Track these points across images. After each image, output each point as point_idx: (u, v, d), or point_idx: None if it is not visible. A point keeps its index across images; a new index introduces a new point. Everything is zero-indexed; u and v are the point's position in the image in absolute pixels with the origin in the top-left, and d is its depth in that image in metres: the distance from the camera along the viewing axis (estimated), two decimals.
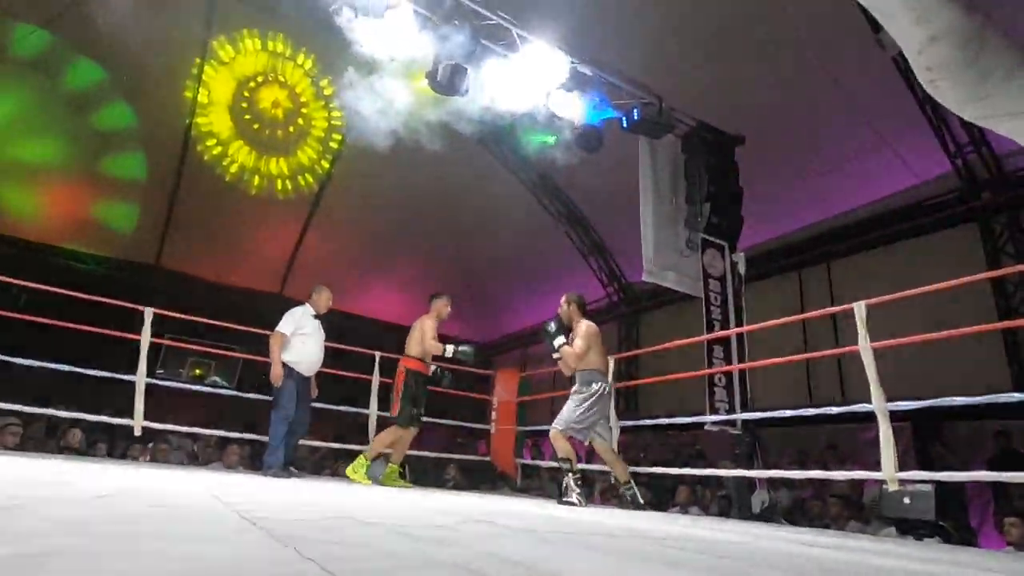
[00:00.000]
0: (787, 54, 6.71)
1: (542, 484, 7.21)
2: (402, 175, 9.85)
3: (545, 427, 6.99)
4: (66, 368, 4.37)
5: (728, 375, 5.52)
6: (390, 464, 4.75)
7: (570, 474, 4.05)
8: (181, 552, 0.89)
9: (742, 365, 5.46)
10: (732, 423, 5.34)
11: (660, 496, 6.15)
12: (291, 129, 10.71)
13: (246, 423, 6.37)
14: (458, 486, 6.01)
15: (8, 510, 1.01)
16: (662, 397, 9.11)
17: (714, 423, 5.27)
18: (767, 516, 5.00)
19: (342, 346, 5.50)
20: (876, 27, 4.53)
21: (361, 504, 2.22)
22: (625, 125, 6.09)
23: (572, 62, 5.76)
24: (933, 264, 6.56)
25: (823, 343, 6.83)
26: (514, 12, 5.61)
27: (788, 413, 4.23)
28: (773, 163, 7.32)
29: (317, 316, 4.67)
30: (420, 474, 6.28)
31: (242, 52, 9.81)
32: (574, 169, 7.56)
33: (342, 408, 5.51)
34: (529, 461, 6.99)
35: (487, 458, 6.67)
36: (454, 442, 9.45)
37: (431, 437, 9.94)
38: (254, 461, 6.45)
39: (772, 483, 5.73)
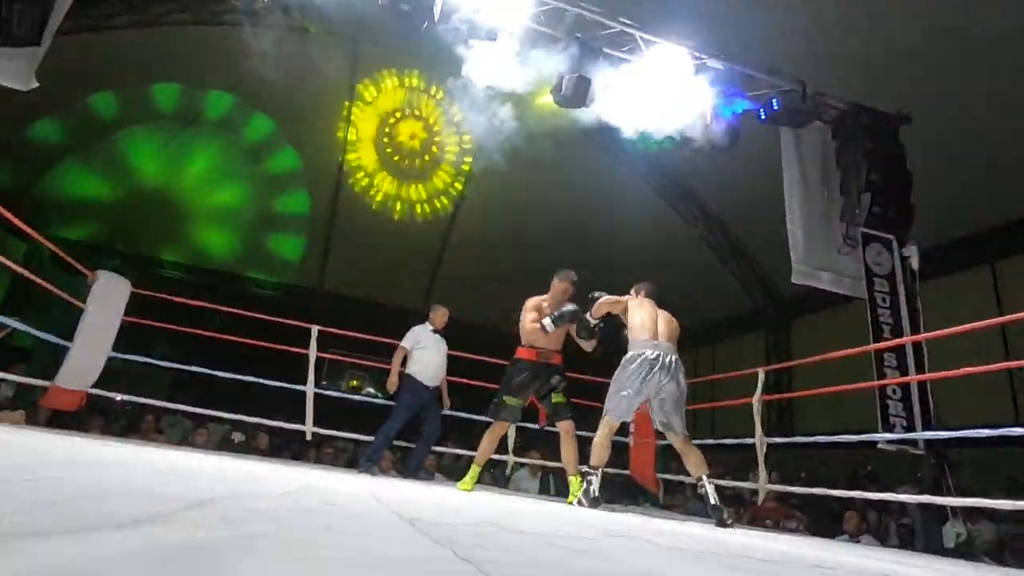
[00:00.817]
0: (958, 17, 5.83)
1: (687, 501, 6.85)
2: (530, 190, 10.10)
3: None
4: (251, 379, 5.05)
5: (904, 387, 4.83)
6: (473, 464, 4.04)
7: (589, 475, 3.43)
8: (354, 544, 0.98)
9: (922, 376, 4.74)
10: (913, 442, 4.66)
11: (821, 522, 5.54)
12: (427, 157, 11.52)
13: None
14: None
15: (217, 501, 1.18)
16: (822, 412, 8.25)
17: (889, 442, 4.63)
18: (964, 552, 4.27)
19: (473, 355, 5.68)
20: None
21: (504, 512, 2.27)
22: (763, 116, 5.68)
23: (698, 57, 5.51)
24: None
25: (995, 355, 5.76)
26: (635, 15, 5.51)
27: (986, 432, 3.59)
28: (952, 145, 6.36)
29: (436, 331, 5.10)
30: (561, 487, 6.29)
31: (382, 91, 10.78)
32: (708, 170, 7.21)
33: (482, 418, 5.70)
34: (673, 477, 6.69)
35: (626, 472, 6.49)
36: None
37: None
38: (404, 467, 6.92)
39: (971, 514, 4.89)
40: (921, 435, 4.49)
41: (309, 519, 1.13)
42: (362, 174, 11.49)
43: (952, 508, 4.51)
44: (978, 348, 5.75)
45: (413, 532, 1.19)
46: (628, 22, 5.43)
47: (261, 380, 5.07)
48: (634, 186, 10.19)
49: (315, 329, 5.14)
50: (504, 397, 3.89)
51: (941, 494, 4.49)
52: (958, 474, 5.11)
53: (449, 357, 5.26)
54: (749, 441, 4.65)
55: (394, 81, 10.72)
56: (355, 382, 11.52)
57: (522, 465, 5.83)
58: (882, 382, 4.78)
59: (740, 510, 6.24)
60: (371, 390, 11.22)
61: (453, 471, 7.12)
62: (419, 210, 11.82)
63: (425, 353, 4.97)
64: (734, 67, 5.64)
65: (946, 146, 6.37)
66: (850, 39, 6.48)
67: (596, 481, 3.37)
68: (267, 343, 5.25)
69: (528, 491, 5.76)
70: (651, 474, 6.19)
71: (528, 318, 4.02)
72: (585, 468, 3.57)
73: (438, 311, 5.21)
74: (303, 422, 5.07)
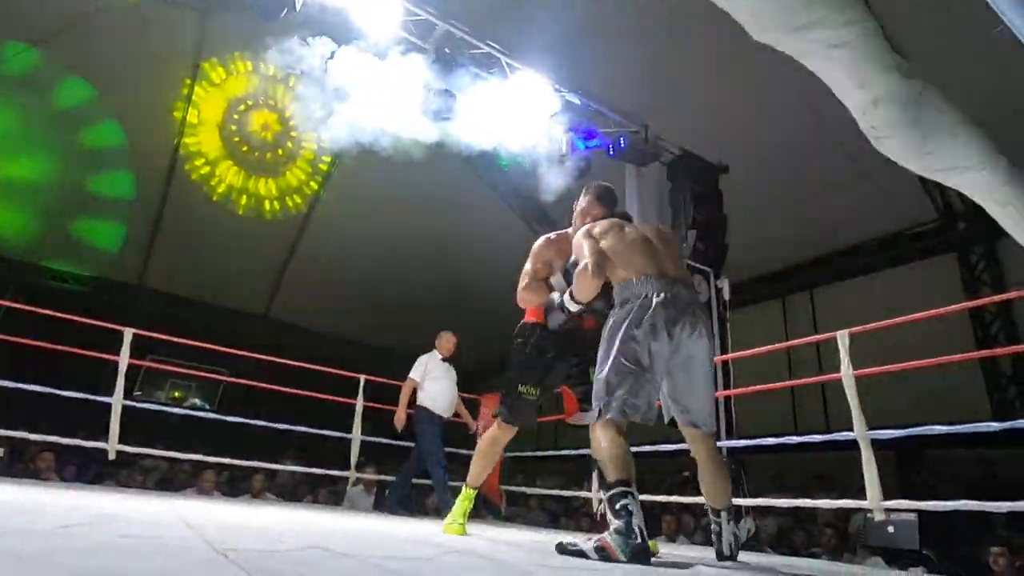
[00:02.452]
0: (771, 85, 6.90)
1: (530, 512, 7.10)
2: (391, 198, 9.91)
3: (532, 453, 6.94)
4: (37, 389, 4.26)
5: (714, 401, 5.51)
6: (465, 486, 2.77)
7: (619, 499, 1.83)
8: None
9: (727, 391, 5.47)
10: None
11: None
12: (280, 151, 10.76)
13: (223, 447, 6.23)
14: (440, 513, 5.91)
15: None
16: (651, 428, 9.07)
17: None
18: (753, 545, 4.95)
19: (322, 368, 5.42)
20: None
21: (340, 532, 2.17)
22: (612, 153, 6.19)
23: (560, 91, 5.86)
24: (914, 293, 6.68)
25: (808, 371, 6.89)
26: (504, 40, 5.72)
27: (772, 441, 4.23)
28: (757, 192, 7.46)
29: (444, 359, 5.03)
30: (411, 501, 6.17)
31: (233, 74, 9.89)
32: (563, 196, 7.65)
33: (326, 432, 5.42)
34: (515, 488, 6.90)
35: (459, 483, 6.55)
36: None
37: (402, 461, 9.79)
38: (232, 487, 6.30)
39: (759, 512, 5.69)
40: (725, 444, 5.15)
41: (87, 560, 0.97)
42: (202, 161, 10.39)
43: (745, 507, 5.21)
44: (767, 372, 6.76)
45: (225, 565, 1.09)
46: (496, 46, 5.61)
47: (56, 391, 4.31)
48: (494, 204, 10.47)
49: (128, 332, 4.50)
50: (520, 387, 2.52)
51: (739, 496, 5.19)
52: (750, 479, 5.94)
53: (289, 368, 4.95)
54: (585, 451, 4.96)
55: (247, 66, 9.89)
56: (178, 393, 10.28)
57: (359, 480, 5.61)
58: None
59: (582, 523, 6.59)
60: (197, 401, 10.09)
61: (329, 497, 6.54)
62: (268, 206, 10.97)
63: (436, 383, 4.83)
64: (590, 104, 6.09)
65: (752, 196, 7.45)
66: (686, 92, 7.34)
67: (635, 510, 1.81)
68: (65, 346, 4.48)
69: (364, 509, 5.55)
70: (495, 484, 6.32)
71: (527, 270, 2.59)
72: (611, 490, 1.87)
73: (443, 337, 5.06)
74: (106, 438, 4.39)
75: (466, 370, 14.29)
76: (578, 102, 6.01)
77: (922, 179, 6.64)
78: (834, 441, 3.65)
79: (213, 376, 8.39)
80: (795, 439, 4.14)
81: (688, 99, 7.34)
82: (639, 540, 1.76)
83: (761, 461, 7.18)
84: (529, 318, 2.63)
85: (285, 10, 4.61)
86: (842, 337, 3.28)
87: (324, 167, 10.88)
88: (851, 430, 3.21)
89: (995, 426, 3.03)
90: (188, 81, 9.56)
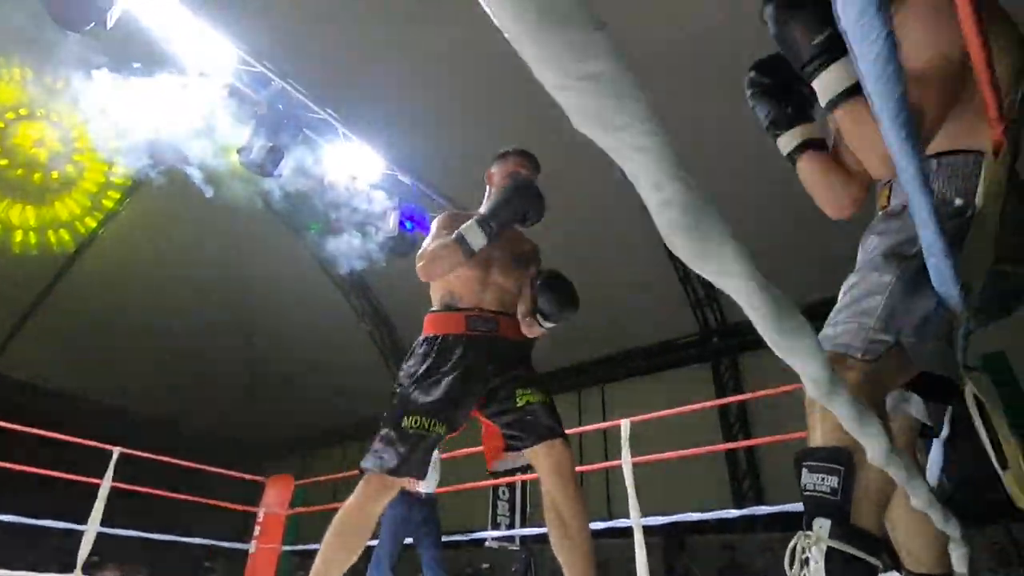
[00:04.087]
0: (570, 194, 7.83)
1: None
2: (189, 247, 8.88)
3: (317, 546, 6.21)
4: None
5: (511, 487, 5.62)
6: None
7: None
8: None
9: (522, 476, 5.62)
10: (511, 539, 5.37)
11: None
12: (54, 174, 9.10)
13: None
14: None
15: None
16: (449, 514, 8.86)
17: (494, 539, 5.24)
18: None
19: (62, 436, 4.38)
20: None
21: None
22: None
23: (391, 169, 5.99)
24: (685, 393, 7.76)
25: (596, 460, 7.44)
26: (339, 106, 5.73)
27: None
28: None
29: None
30: None
31: (5, 79, 8.33)
32: (384, 271, 7.59)
33: (47, 523, 4.28)
34: None
35: None
36: (200, 566, 7.88)
37: (169, 558, 8.08)
38: None
39: None
40: (518, 532, 5.22)
41: None
42: None
43: None
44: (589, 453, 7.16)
45: None
46: (333, 113, 5.59)
47: None
48: (309, 268, 9.97)
49: None
50: (402, 417, 1.71)
51: None
52: (541, 566, 6.05)
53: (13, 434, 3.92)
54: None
55: (27, 74, 8.42)
56: None
57: None
58: (493, 482, 5.48)
59: None
60: None
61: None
62: (18, 238, 9.03)
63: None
64: (418, 184, 6.30)
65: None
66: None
67: None
68: None
69: None
70: None
71: (429, 243, 1.90)
72: None
73: None
74: None
75: (255, 449, 12.74)
76: (408, 182, 6.18)
77: (687, 298, 7.96)
78: (612, 528, 3.91)
79: None
80: (601, 524, 4.35)
81: None
82: None
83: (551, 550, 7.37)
84: (431, 327, 1.88)
85: (92, 24, 4.08)
86: (624, 425, 3.62)
87: (109, 203, 9.42)
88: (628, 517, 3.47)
89: (735, 513, 3.54)
90: None
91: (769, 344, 0.52)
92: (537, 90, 0.39)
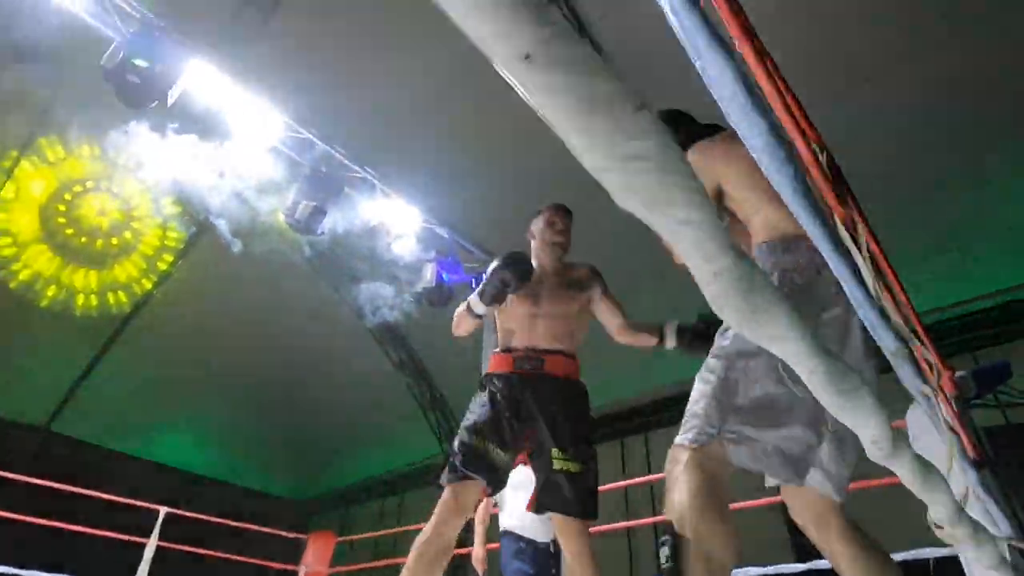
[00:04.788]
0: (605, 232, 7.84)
1: None
2: (234, 306, 9.20)
3: None
4: None
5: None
6: None
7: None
8: None
9: None
10: None
11: None
12: (114, 241, 9.68)
13: None
14: None
15: None
16: None
17: None
18: None
19: (112, 497, 4.50)
20: None
21: None
22: (474, 287, 6.46)
23: (428, 222, 6.15)
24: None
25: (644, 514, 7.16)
26: (377, 165, 5.95)
27: None
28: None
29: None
30: None
31: (75, 156, 9.02)
32: (422, 323, 7.68)
33: None
34: None
35: None
36: None
37: None
38: None
39: None
40: None
41: None
42: (9, 240, 8.98)
43: None
44: (610, 511, 6.90)
45: None
46: (372, 172, 5.83)
47: None
48: (349, 323, 10.17)
49: None
50: (459, 434, 1.95)
51: None
52: None
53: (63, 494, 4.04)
54: None
55: (95, 151, 9.11)
56: None
57: None
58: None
59: None
60: None
61: None
62: (80, 301, 9.56)
63: (518, 494, 3.06)
64: (455, 238, 6.43)
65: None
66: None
67: None
68: None
69: None
70: None
71: (457, 309, 2.25)
72: None
73: None
74: None
75: (297, 505, 12.75)
76: (446, 236, 6.32)
77: None
78: None
79: None
80: None
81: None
82: None
83: None
84: (487, 370, 2.15)
85: (155, 103, 4.43)
86: None
87: (164, 266, 9.91)
88: None
89: (799, 568, 3.35)
90: (14, 153, 8.51)
91: (826, 407, 0.51)
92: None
